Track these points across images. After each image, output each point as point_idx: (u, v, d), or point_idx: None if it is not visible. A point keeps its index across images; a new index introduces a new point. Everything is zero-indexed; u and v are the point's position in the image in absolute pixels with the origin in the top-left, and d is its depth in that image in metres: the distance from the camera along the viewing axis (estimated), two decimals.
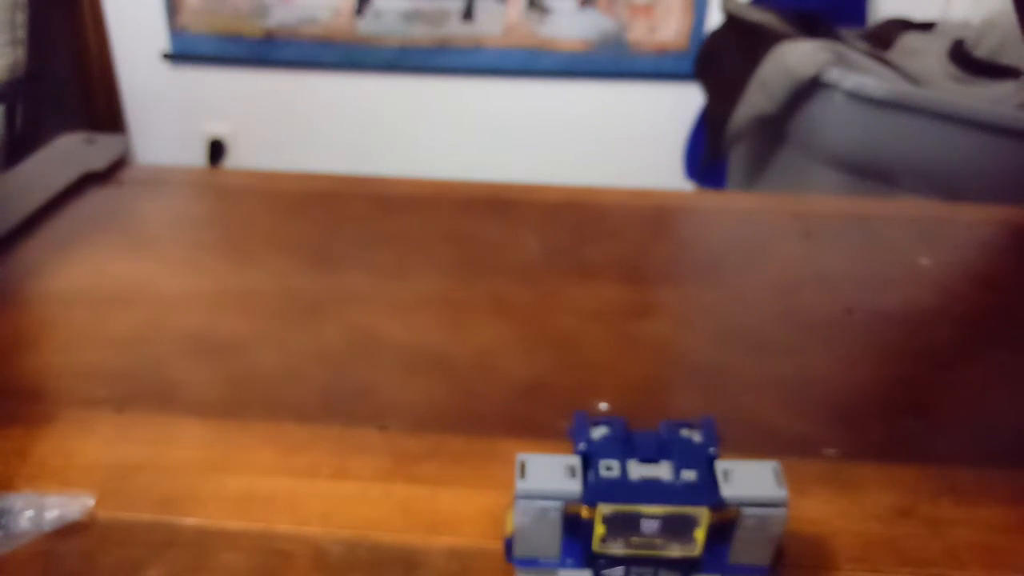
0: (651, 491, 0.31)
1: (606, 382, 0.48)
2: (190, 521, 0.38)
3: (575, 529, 0.32)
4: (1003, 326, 0.55)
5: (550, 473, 0.32)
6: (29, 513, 0.37)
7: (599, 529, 0.31)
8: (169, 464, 0.41)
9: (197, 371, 0.48)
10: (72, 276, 0.58)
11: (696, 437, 0.33)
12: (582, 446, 0.32)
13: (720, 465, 0.32)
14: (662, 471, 0.31)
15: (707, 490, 0.31)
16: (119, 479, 0.40)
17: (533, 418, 0.45)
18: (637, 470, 0.31)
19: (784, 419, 0.45)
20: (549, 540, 0.32)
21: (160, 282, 0.57)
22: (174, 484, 0.40)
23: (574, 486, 0.31)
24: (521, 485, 0.31)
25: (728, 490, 0.31)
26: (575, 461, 0.32)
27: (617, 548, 0.32)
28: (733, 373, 0.49)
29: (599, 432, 0.33)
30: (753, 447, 0.42)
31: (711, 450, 0.32)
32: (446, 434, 0.43)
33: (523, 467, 0.32)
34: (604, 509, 0.31)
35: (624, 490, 0.31)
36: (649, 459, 0.32)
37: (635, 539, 0.31)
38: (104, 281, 0.57)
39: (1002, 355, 0.52)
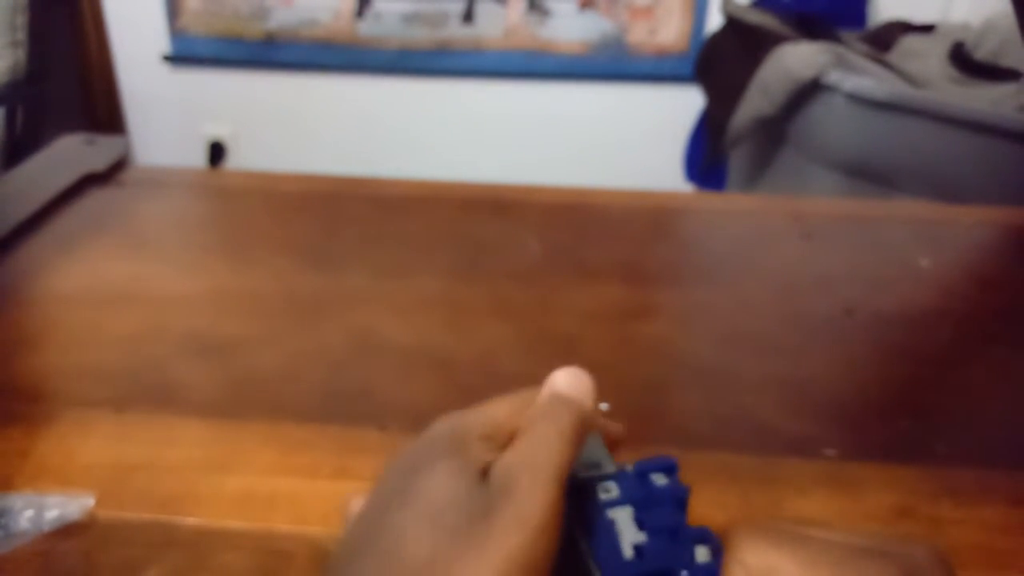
0: None
1: (606, 382, 0.48)
2: (190, 521, 0.37)
3: None
4: (1003, 326, 0.55)
5: None
6: (29, 513, 0.37)
7: None
8: (169, 464, 0.41)
9: (197, 371, 0.48)
10: (72, 276, 0.58)
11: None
12: None
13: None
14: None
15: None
16: (119, 479, 0.40)
17: None
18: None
19: (784, 419, 0.45)
20: None
21: (160, 282, 0.57)
22: (174, 484, 0.39)
23: None
24: None
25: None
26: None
27: None
28: (733, 374, 0.49)
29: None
30: (753, 447, 0.42)
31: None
32: None
33: None
34: None
35: None
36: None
37: None
38: (104, 281, 0.57)
39: (1002, 355, 0.52)
